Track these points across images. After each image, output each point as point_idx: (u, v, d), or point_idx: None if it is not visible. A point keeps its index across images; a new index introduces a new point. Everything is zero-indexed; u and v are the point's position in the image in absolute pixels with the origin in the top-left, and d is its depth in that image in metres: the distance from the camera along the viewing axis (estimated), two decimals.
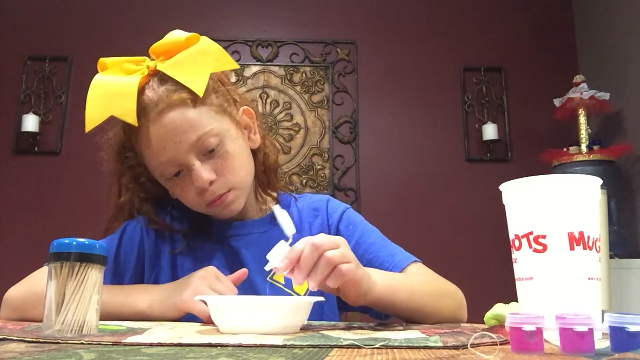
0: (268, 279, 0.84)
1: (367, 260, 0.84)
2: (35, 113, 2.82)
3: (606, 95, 2.60)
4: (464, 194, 2.90)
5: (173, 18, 3.06)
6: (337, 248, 0.62)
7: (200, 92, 0.75)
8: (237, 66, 0.83)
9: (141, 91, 0.76)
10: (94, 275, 0.55)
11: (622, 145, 2.53)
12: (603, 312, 0.47)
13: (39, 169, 2.83)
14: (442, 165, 2.95)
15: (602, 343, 0.45)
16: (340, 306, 0.88)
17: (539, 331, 0.42)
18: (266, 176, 0.90)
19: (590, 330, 0.42)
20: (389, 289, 0.71)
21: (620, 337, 0.41)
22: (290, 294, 0.83)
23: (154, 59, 0.80)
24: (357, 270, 0.63)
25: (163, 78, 0.77)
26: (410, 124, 3.03)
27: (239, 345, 0.47)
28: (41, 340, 0.49)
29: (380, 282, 0.70)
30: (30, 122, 2.77)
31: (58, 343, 0.48)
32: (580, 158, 2.56)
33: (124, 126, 0.80)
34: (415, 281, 0.79)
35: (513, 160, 2.96)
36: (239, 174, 0.81)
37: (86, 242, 0.55)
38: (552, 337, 0.47)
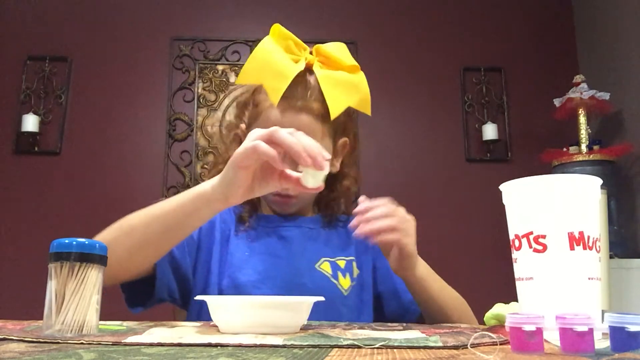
0: (316, 266, 0.88)
1: (395, 280, 0.90)
2: (35, 113, 2.82)
3: (606, 95, 2.60)
4: (464, 194, 2.90)
5: (173, 18, 3.06)
6: (408, 223, 0.76)
7: (333, 116, 0.82)
8: (369, 113, 0.87)
9: (295, 79, 0.81)
10: (94, 275, 0.55)
11: (622, 145, 2.53)
12: (603, 312, 0.47)
13: (39, 169, 2.83)
14: (442, 165, 2.95)
15: (602, 343, 0.45)
16: (376, 317, 0.93)
17: (539, 331, 0.42)
18: (334, 195, 0.97)
19: (590, 330, 0.42)
20: (427, 276, 0.82)
21: (620, 337, 0.41)
22: (335, 284, 0.88)
23: (312, 54, 0.87)
24: (410, 245, 0.76)
25: (314, 82, 0.84)
26: (410, 124, 3.03)
27: (239, 345, 0.47)
28: (41, 340, 0.49)
29: (423, 268, 0.81)
30: (30, 122, 2.77)
31: (58, 343, 0.48)
32: (580, 158, 2.56)
33: (260, 91, 0.87)
34: (447, 286, 0.87)
35: (513, 160, 2.96)
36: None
37: (86, 242, 0.55)
38: (552, 337, 0.47)
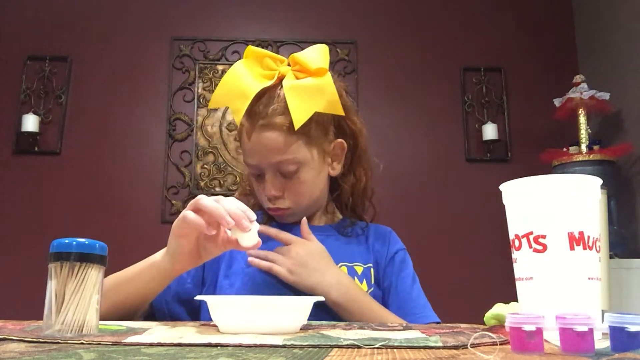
0: None
1: (401, 297, 0.91)
2: (35, 113, 2.82)
3: (606, 95, 2.60)
4: (464, 194, 2.90)
5: (173, 18, 3.06)
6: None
7: (296, 125, 0.82)
8: (342, 113, 0.88)
9: (260, 95, 0.84)
10: (94, 275, 0.55)
11: (622, 145, 2.53)
12: (603, 312, 0.47)
13: (39, 169, 2.83)
14: (442, 165, 2.95)
15: (602, 343, 0.45)
16: None
17: (539, 331, 0.42)
18: (352, 199, 0.98)
19: (590, 330, 0.42)
20: (344, 303, 0.83)
21: (620, 337, 0.41)
22: None
23: (289, 65, 0.88)
24: (282, 272, 0.83)
25: (282, 97, 0.84)
26: (410, 124, 3.03)
27: (239, 345, 0.47)
28: (41, 340, 0.49)
29: (342, 294, 0.83)
30: (30, 122, 2.77)
31: (58, 343, 0.48)
32: (580, 158, 2.56)
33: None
34: (374, 316, 0.84)
35: (513, 160, 2.96)
36: (302, 198, 0.90)
37: (86, 242, 0.55)
38: (552, 337, 0.47)
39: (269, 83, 0.84)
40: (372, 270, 0.93)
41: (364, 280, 0.91)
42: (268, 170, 0.86)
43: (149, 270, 0.75)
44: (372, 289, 0.90)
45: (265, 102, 0.84)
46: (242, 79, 0.85)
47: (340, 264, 0.90)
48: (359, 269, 0.91)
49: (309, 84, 0.84)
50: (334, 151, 0.93)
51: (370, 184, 0.99)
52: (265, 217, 0.96)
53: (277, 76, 0.85)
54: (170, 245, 0.72)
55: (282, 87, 0.84)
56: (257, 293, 0.80)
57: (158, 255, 0.75)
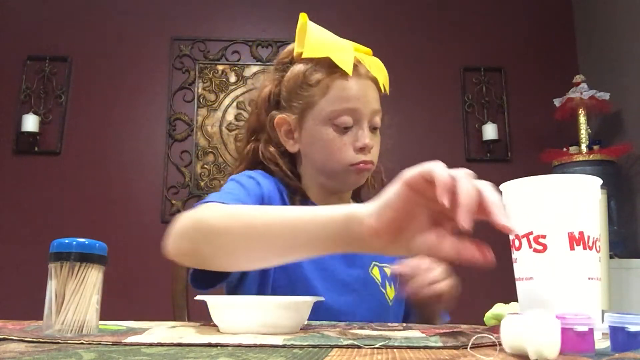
0: (369, 271, 0.87)
1: None
2: (35, 113, 2.82)
3: (606, 95, 2.60)
4: None
5: (173, 18, 3.06)
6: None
7: (386, 89, 0.88)
8: (388, 92, 0.91)
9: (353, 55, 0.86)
10: (94, 275, 0.55)
11: (622, 145, 2.53)
12: (603, 312, 0.47)
13: (39, 169, 2.83)
14: None
15: (602, 343, 0.45)
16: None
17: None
18: (371, 186, 0.95)
19: (590, 330, 0.42)
20: None
21: (620, 337, 0.41)
22: (384, 294, 0.87)
23: None
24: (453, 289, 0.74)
25: (364, 61, 0.87)
26: (410, 124, 3.03)
27: (239, 345, 0.47)
28: (41, 340, 0.49)
29: None
30: (30, 122, 2.77)
31: (58, 343, 0.48)
32: (580, 158, 2.56)
33: (314, 71, 0.85)
34: None
35: (513, 160, 2.96)
36: (377, 157, 0.89)
37: (86, 242, 0.55)
38: None
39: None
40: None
41: (392, 283, 0.88)
42: (367, 118, 0.85)
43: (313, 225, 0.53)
44: (397, 292, 0.88)
45: (361, 59, 0.87)
46: (331, 37, 0.87)
47: (373, 263, 0.87)
48: (388, 271, 0.89)
49: (373, 59, 0.90)
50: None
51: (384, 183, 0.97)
52: (290, 194, 0.86)
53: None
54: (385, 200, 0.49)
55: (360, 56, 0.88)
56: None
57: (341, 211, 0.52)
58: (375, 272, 0.87)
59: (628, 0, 2.67)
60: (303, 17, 0.86)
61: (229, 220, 0.60)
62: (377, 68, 0.88)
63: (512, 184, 0.56)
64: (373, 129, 0.87)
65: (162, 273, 1.68)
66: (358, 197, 0.97)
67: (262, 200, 0.80)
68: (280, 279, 0.80)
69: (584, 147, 2.60)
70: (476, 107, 3.04)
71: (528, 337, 0.38)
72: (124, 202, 2.82)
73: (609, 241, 2.14)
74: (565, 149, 2.67)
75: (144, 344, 0.48)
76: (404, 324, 0.73)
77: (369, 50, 0.92)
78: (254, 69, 3.03)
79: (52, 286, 0.53)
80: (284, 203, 0.84)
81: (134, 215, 2.80)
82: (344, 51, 0.85)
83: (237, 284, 0.83)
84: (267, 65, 3.01)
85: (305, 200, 0.87)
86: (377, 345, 0.47)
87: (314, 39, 0.84)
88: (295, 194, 0.87)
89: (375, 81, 0.87)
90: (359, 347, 0.47)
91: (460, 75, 3.06)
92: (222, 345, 0.47)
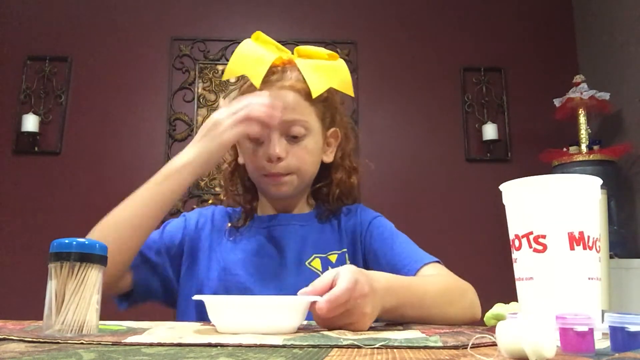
0: (306, 264, 0.89)
1: (389, 261, 0.89)
2: (35, 113, 2.82)
3: (606, 95, 2.60)
4: (464, 194, 2.90)
5: (173, 18, 3.06)
6: (365, 296, 0.60)
7: (314, 94, 0.85)
8: (353, 95, 0.91)
9: (274, 67, 0.87)
10: (94, 275, 0.55)
11: (622, 145, 2.53)
12: (603, 312, 0.47)
13: (39, 169, 2.83)
14: (442, 165, 2.95)
15: (602, 343, 0.45)
16: None
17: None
18: (328, 187, 0.97)
19: (590, 330, 0.42)
20: (395, 310, 0.69)
21: (620, 337, 0.41)
22: None
23: (293, 54, 0.92)
24: (363, 322, 0.61)
25: (295, 70, 0.88)
26: (410, 124, 3.03)
27: (239, 345, 0.47)
28: (41, 340, 0.49)
29: (389, 305, 0.67)
30: (30, 122, 2.77)
31: (58, 343, 0.48)
32: (580, 158, 2.56)
33: (243, 92, 0.91)
34: (427, 292, 0.76)
35: (513, 160, 2.96)
36: (303, 165, 0.89)
37: (86, 242, 0.55)
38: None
39: (278, 56, 0.88)
40: (347, 255, 0.92)
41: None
42: (276, 131, 0.86)
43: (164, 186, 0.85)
44: None
45: (282, 71, 0.87)
46: (256, 50, 0.87)
47: (314, 256, 0.90)
48: (333, 258, 0.91)
49: (324, 64, 0.88)
50: (329, 138, 0.96)
51: (357, 181, 1.00)
52: (244, 215, 0.95)
53: (285, 56, 0.89)
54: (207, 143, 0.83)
55: (292, 66, 0.88)
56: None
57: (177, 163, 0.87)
58: (316, 263, 0.89)
59: (628, 1, 2.67)
60: (253, 35, 0.90)
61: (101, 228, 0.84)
62: (317, 74, 0.86)
63: (512, 184, 0.56)
64: (293, 137, 0.87)
65: None
66: (325, 197, 0.98)
67: (185, 229, 0.94)
68: (219, 290, 0.86)
69: (584, 147, 2.60)
70: (476, 107, 3.04)
71: (524, 339, 0.39)
72: None
73: (609, 241, 2.14)
74: (565, 149, 2.67)
75: (144, 344, 0.48)
76: (404, 324, 0.73)
77: (322, 54, 0.90)
78: None
79: (52, 286, 0.53)
80: (213, 225, 0.95)
81: None
82: (257, 65, 0.85)
83: (169, 303, 0.92)
84: None
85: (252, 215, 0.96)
86: (377, 345, 0.47)
87: (232, 60, 0.87)
88: (248, 211, 0.96)
89: (295, 89, 0.86)
90: (359, 347, 0.47)
91: (460, 75, 3.05)
92: (222, 345, 0.47)
